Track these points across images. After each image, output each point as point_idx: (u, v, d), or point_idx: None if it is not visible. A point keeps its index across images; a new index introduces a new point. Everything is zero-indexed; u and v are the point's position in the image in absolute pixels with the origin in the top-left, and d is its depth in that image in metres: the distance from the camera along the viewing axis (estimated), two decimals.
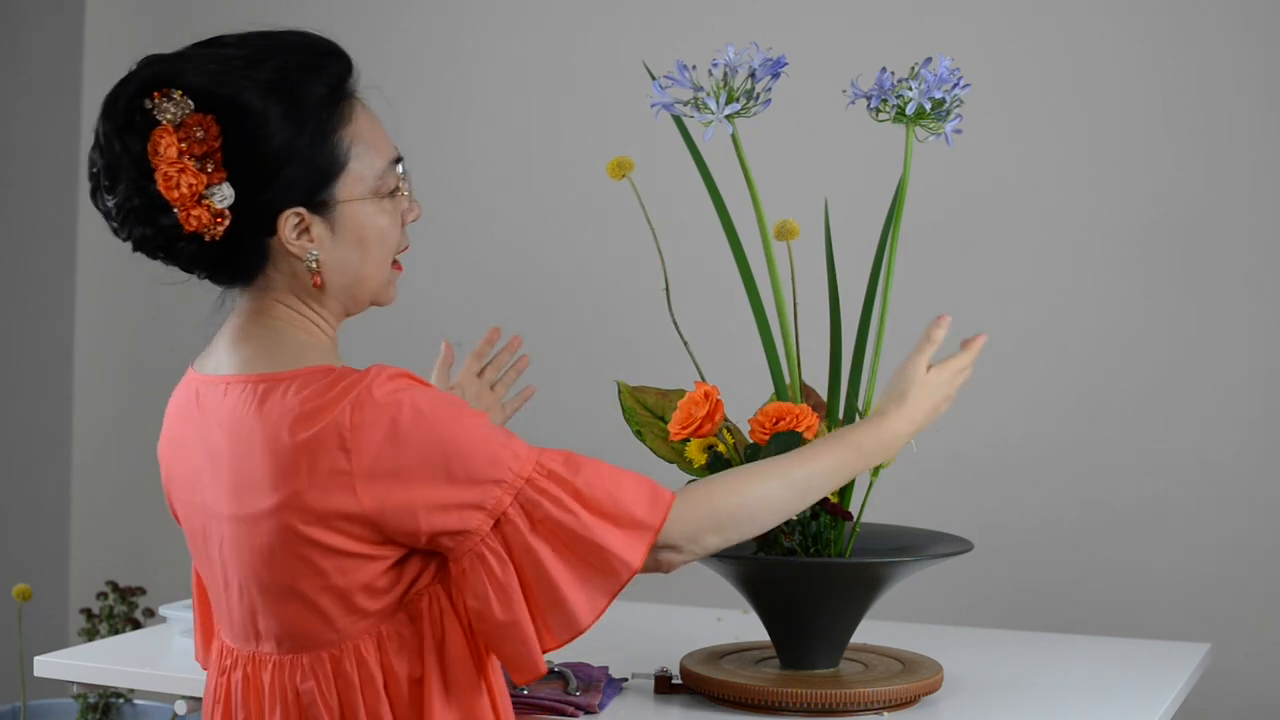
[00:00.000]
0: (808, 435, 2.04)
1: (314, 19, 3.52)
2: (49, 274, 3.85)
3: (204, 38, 1.73)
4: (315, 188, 1.68)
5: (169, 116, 1.65)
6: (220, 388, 1.71)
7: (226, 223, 1.66)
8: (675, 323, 2.17)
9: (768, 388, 2.18)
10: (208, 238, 1.67)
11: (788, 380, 2.15)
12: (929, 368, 1.90)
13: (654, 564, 1.70)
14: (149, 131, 1.65)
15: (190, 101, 1.65)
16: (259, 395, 1.66)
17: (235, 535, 1.69)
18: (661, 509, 1.67)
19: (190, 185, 1.64)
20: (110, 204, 1.70)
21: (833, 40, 3.26)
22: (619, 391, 2.17)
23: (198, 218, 1.65)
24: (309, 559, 1.65)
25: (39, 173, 3.85)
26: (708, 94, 2.06)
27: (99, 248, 3.83)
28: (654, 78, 2.08)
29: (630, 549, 1.65)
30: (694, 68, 2.08)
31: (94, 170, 1.71)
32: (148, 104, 1.65)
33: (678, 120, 2.15)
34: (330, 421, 1.61)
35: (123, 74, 1.69)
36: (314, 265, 1.70)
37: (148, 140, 1.65)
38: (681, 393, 2.12)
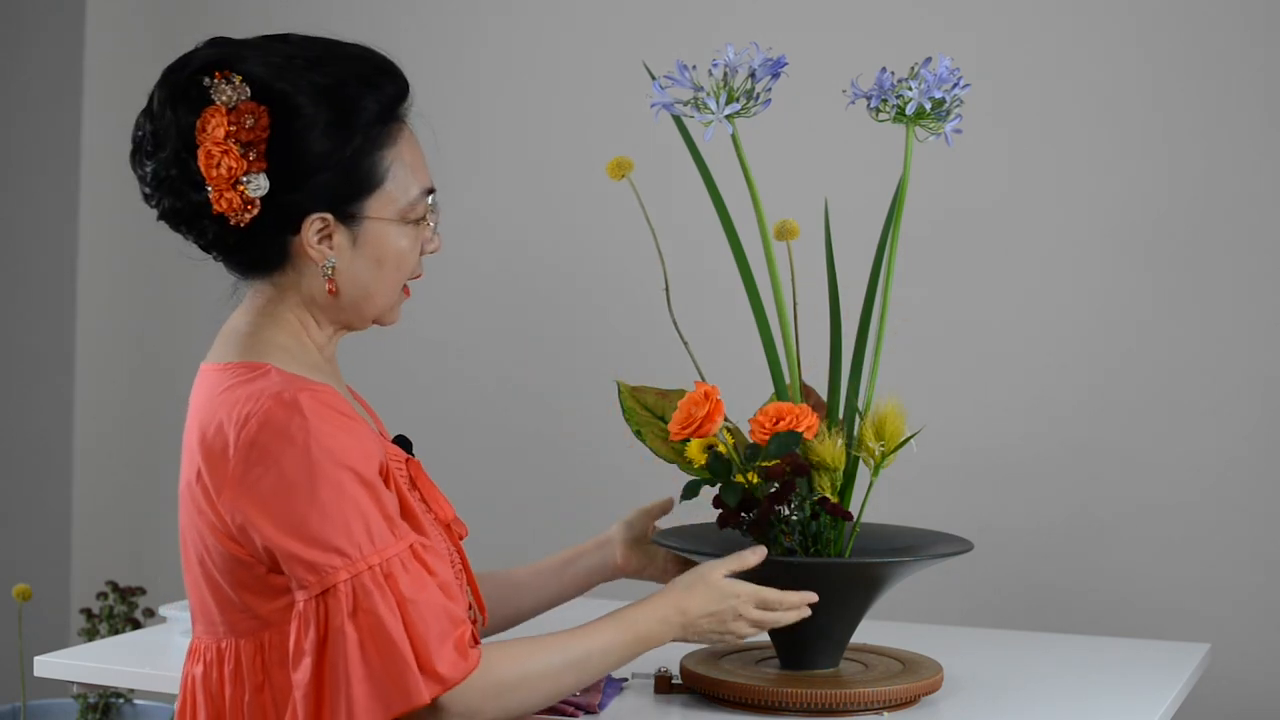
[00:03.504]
0: (808, 435, 2.04)
1: (315, 19, 3.52)
2: (49, 274, 3.85)
3: (274, 32, 1.78)
4: (346, 198, 1.71)
5: (224, 98, 1.68)
6: (201, 375, 1.77)
7: (255, 212, 1.69)
8: (675, 323, 2.17)
9: (768, 388, 2.18)
10: (233, 222, 1.69)
11: (788, 380, 2.15)
12: (727, 576, 1.88)
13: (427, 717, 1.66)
14: (202, 108, 1.68)
15: (247, 89, 1.68)
16: (208, 377, 1.72)
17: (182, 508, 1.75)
18: (463, 671, 1.64)
19: (230, 168, 1.67)
20: (148, 169, 1.73)
21: (833, 40, 3.26)
22: (619, 391, 2.16)
23: (229, 201, 1.68)
24: (204, 539, 1.69)
25: (39, 173, 3.85)
26: (708, 94, 2.06)
27: (100, 247, 3.83)
28: (654, 78, 2.08)
29: (428, 685, 1.62)
30: (694, 68, 2.08)
31: (139, 134, 1.74)
32: (206, 81, 1.69)
33: (678, 120, 2.15)
34: (230, 418, 1.65)
35: (126, 73, 1.74)
36: (329, 272, 1.73)
37: (199, 116, 1.68)
38: (681, 393, 2.12)
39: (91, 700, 3.22)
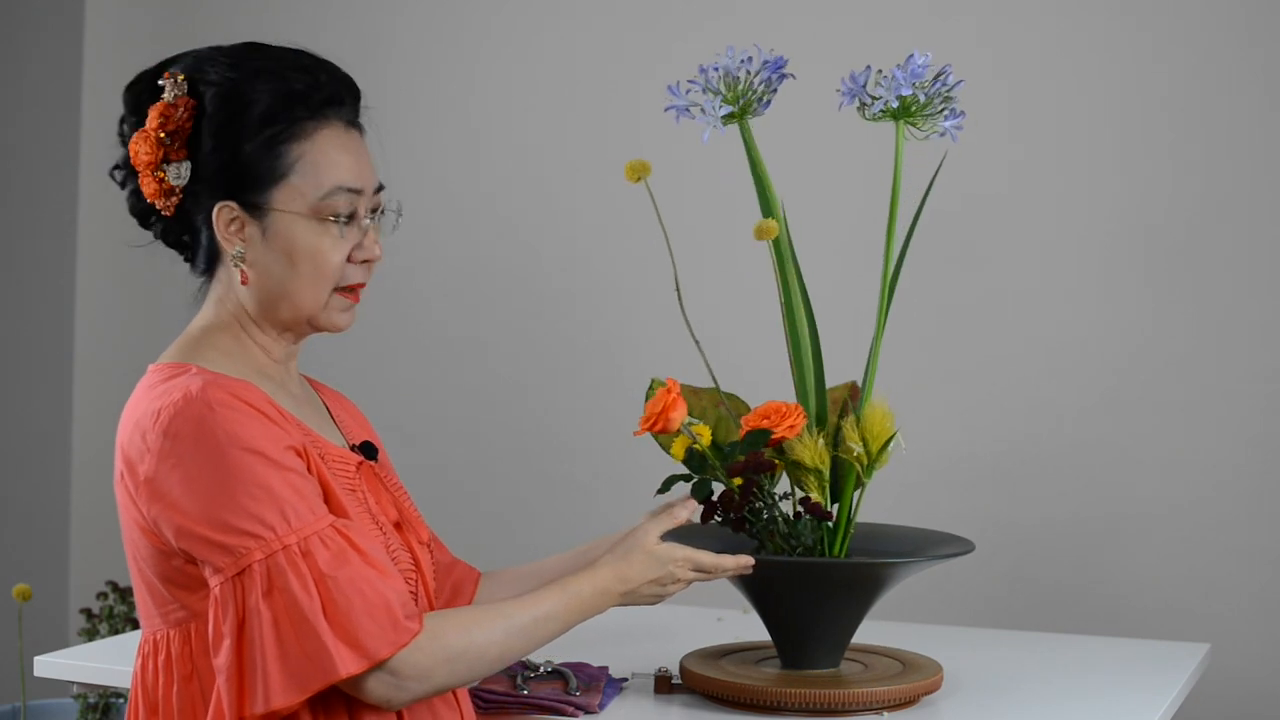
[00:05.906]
0: (789, 435, 2.03)
1: (316, 20, 3.51)
2: (49, 274, 3.85)
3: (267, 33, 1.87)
4: (250, 188, 1.76)
5: (167, 95, 1.76)
6: (144, 375, 1.80)
7: (177, 200, 1.77)
8: (688, 323, 2.16)
9: (782, 387, 2.17)
10: (159, 208, 1.78)
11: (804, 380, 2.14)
12: (663, 539, 1.90)
13: (363, 692, 1.67)
14: (149, 106, 1.77)
15: (185, 85, 1.76)
16: (144, 378, 1.77)
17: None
18: (392, 645, 1.66)
19: (146, 155, 1.76)
20: (113, 172, 1.83)
21: (842, 38, 3.26)
22: (650, 387, 2.15)
23: (150, 188, 1.77)
24: (132, 534, 1.72)
25: (39, 173, 3.86)
26: (710, 96, 2.06)
27: (99, 247, 3.83)
28: (706, 79, 2.08)
29: (345, 661, 1.64)
30: (703, 71, 2.09)
31: (118, 134, 1.83)
32: (160, 82, 1.77)
33: (742, 124, 2.13)
34: (146, 413, 1.69)
35: (124, 73, 1.77)
36: (239, 261, 1.77)
37: (147, 113, 1.77)
38: (713, 392, 2.12)
39: (91, 700, 3.22)
